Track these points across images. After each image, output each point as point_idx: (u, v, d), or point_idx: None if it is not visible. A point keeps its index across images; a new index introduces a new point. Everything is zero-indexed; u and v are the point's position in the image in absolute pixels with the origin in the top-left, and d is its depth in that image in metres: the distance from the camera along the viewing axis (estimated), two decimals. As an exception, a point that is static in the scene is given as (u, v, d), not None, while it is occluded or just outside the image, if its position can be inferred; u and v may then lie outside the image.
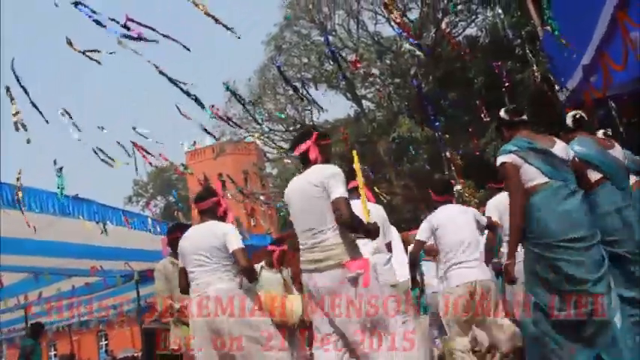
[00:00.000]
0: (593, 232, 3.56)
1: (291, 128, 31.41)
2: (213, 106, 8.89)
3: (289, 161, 20.98)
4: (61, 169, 6.44)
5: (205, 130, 6.21)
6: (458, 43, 21.64)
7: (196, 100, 6.59)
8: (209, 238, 4.29)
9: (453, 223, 4.85)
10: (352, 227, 3.55)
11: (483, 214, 5.28)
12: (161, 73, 5.37)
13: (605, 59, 5.80)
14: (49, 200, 6.44)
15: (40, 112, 4.92)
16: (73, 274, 10.37)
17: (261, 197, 27.95)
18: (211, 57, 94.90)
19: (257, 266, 6.28)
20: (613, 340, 3.35)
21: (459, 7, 25.28)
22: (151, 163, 7.01)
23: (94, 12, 4.57)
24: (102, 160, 6.34)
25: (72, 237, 7.77)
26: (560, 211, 3.51)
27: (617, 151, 4.32)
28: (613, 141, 4.45)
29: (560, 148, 3.74)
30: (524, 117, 3.91)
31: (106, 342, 39.90)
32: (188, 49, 4.98)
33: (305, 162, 3.79)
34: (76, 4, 4.49)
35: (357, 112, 30.00)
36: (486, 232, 5.25)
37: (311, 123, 31.17)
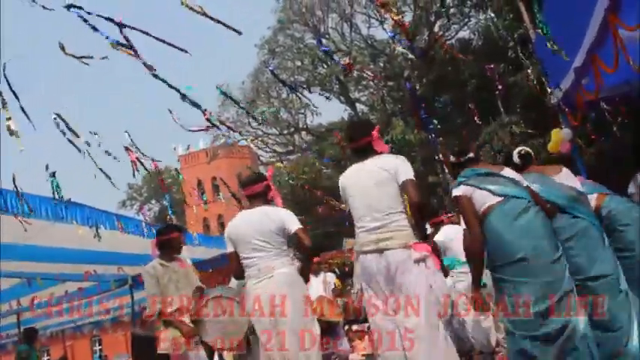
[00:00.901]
0: (553, 244, 3.57)
1: (285, 131, 31.42)
2: (206, 110, 8.87)
3: (282, 165, 20.98)
4: (54, 173, 6.41)
5: (209, 121, 6.18)
6: (450, 46, 21.72)
7: (191, 102, 6.58)
8: (266, 223, 4.24)
9: None
10: (422, 208, 3.72)
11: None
12: (155, 76, 5.35)
13: (596, 62, 5.82)
14: (42, 205, 6.41)
15: (29, 119, 4.88)
16: (66, 279, 10.32)
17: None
18: (205, 61, 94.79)
19: None
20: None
21: (452, 10, 25.38)
22: (137, 170, 6.98)
23: (88, 13, 4.55)
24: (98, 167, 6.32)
25: (65, 242, 7.74)
26: (516, 226, 3.56)
27: (564, 176, 4.27)
28: (561, 166, 4.42)
29: (509, 172, 3.85)
30: (471, 154, 4.11)
31: (100, 347, 39.73)
32: (185, 51, 4.97)
33: (365, 153, 3.89)
34: (69, 7, 4.47)
35: (350, 115, 30.04)
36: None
37: (305, 126, 31.23)
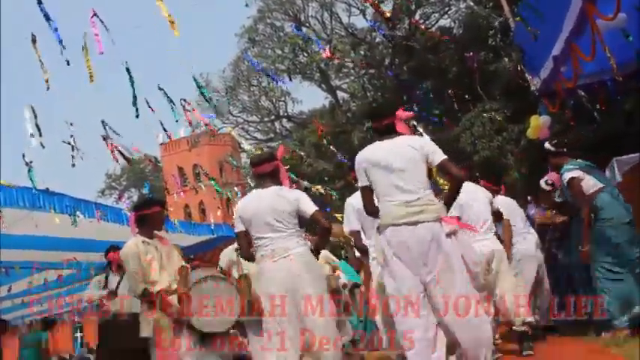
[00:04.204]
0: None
1: (265, 119, 31.32)
2: (185, 100, 8.86)
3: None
4: (30, 162, 6.34)
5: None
6: (433, 31, 21.77)
7: (167, 97, 6.62)
8: (281, 203, 4.21)
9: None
10: (462, 183, 3.82)
11: None
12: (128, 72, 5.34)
13: (575, 50, 5.89)
14: (19, 195, 6.32)
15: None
16: (45, 268, 10.23)
17: (236, 188, 27.90)
18: (186, 49, 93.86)
19: (230, 248, 5.95)
20: None
21: (432, -2, 25.38)
22: (117, 160, 6.94)
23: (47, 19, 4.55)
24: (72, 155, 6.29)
25: (44, 230, 7.65)
26: (617, 203, 5.24)
27: None
28: None
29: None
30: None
31: (82, 334, 39.49)
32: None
33: (388, 133, 3.95)
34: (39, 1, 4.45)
35: (331, 103, 29.99)
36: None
37: (285, 113, 31.14)
